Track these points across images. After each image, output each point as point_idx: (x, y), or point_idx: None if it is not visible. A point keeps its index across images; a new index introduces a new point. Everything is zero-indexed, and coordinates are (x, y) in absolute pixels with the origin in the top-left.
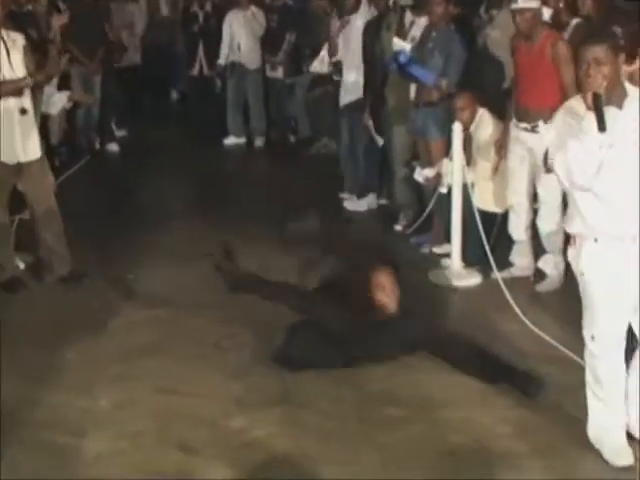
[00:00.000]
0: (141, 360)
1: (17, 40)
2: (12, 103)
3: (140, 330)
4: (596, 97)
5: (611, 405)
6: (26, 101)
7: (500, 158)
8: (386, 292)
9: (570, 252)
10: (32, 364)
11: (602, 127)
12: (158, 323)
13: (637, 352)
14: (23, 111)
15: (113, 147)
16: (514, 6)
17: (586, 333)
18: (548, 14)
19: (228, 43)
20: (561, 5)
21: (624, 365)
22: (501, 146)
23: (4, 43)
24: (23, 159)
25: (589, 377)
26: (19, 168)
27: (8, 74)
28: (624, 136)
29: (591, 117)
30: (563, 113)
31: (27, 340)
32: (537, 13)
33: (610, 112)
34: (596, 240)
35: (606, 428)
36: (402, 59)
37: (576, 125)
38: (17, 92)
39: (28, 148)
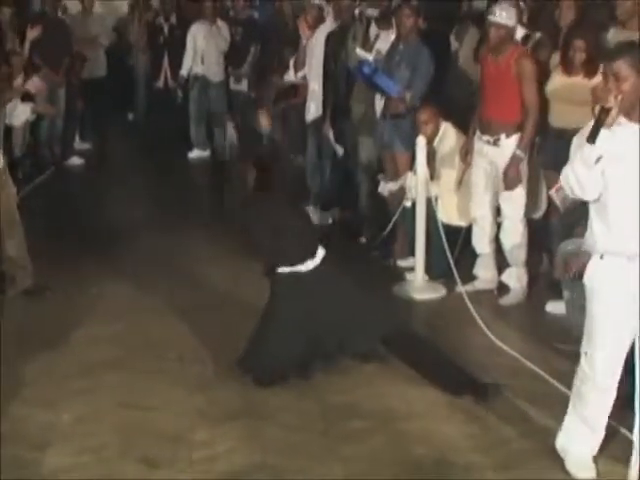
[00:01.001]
0: (104, 374)
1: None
2: None
3: (103, 344)
4: (602, 111)
5: (591, 425)
6: None
7: (466, 166)
8: None
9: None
10: None
11: (591, 140)
12: (120, 337)
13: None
14: None
15: (76, 160)
16: (491, 18)
17: (582, 349)
18: (521, 34)
19: (192, 55)
20: (524, 20)
21: (613, 393)
22: (466, 152)
23: None
24: None
25: (574, 393)
26: None
27: None
28: (634, 153)
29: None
30: (578, 137)
31: None
32: (510, 31)
33: (627, 129)
34: (601, 257)
35: (577, 442)
36: (366, 69)
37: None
38: None
39: None
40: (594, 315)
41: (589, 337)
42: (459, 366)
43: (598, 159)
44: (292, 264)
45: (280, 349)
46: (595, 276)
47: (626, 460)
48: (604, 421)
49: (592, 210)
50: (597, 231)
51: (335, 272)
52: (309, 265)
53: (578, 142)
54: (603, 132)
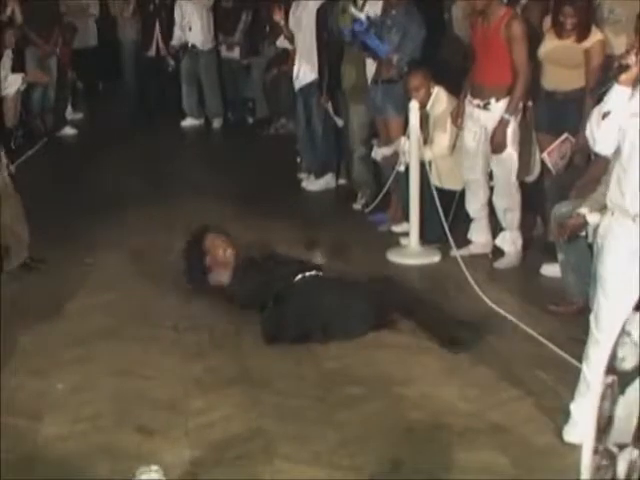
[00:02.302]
0: (98, 343)
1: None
2: None
3: (96, 314)
4: (619, 67)
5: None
6: None
7: (458, 129)
8: None
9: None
10: None
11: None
12: (115, 307)
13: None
14: None
15: (69, 130)
16: None
17: (592, 309)
18: None
19: (180, 23)
20: None
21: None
22: (457, 115)
23: None
24: None
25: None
26: None
27: None
28: None
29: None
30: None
31: None
32: None
33: None
34: (612, 213)
35: (580, 405)
36: (358, 27)
37: None
38: None
39: None
40: (603, 271)
41: (596, 294)
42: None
43: (607, 114)
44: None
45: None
46: (606, 232)
47: None
48: None
49: (611, 167)
50: (614, 188)
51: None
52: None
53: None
54: (618, 88)
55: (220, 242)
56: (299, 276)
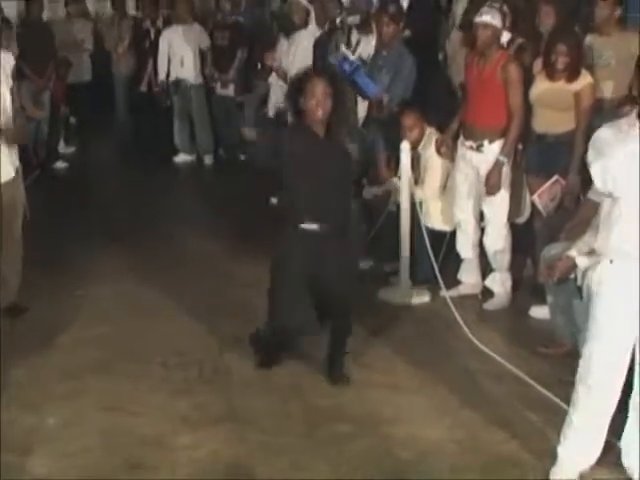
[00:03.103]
0: (88, 378)
1: (5, 60)
2: None
3: (87, 348)
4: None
5: (584, 433)
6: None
7: (446, 155)
8: None
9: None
10: None
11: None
12: (105, 341)
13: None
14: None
15: (60, 164)
16: (478, 19)
17: (582, 351)
18: (506, 38)
19: (166, 59)
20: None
21: (611, 402)
22: (441, 144)
23: None
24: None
25: (572, 398)
26: None
27: None
28: None
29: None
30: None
31: None
32: (497, 32)
33: None
34: (611, 261)
35: (569, 448)
36: (347, 67)
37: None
38: None
39: (4, 168)
40: (597, 318)
41: (589, 339)
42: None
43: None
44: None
45: (291, 301)
46: (603, 279)
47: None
48: (599, 431)
49: (605, 211)
50: (613, 233)
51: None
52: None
53: (605, 135)
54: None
55: None
56: None
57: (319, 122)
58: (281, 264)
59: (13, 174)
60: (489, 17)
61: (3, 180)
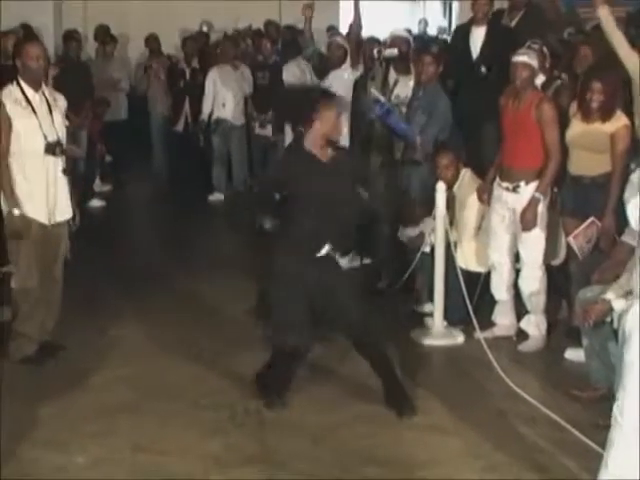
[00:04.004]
0: (119, 417)
1: (59, 100)
2: (50, 162)
3: (118, 387)
4: None
5: (617, 474)
6: (62, 161)
7: (484, 205)
8: None
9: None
10: (8, 418)
11: None
12: (136, 380)
13: None
14: (64, 171)
15: (96, 202)
16: (516, 58)
17: (617, 394)
18: (541, 80)
19: (211, 99)
20: (546, 66)
21: None
22: (483, 191)
23: (47, 103)
24: (54, 219)
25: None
26: (44, 228)
27: (50, 135)
28: None
29: None
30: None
31: (4, 393)
32: (534, 72)
33: None
34: None
35: None
36: (378, 110)
37: None
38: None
39: (60, 208)
40: (628, 361)
41: (622, 384)
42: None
43: None
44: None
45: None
46: (634, 322)
47: None
48: (634, 475)
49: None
50: None
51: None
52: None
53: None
54: None
55: None
56: None
57: (324, 146)
58: (283, 285)
59: (71, 214)
60: (527, 57)
61: (59, 219)
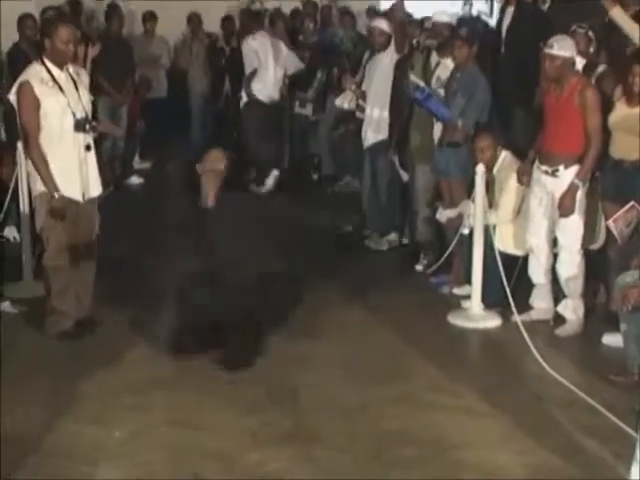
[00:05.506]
0: (155, 393)
1: (82, 75)
2: (80, 139)
3: (155, 362)
4: None
5: None
6: (90, 137)
7: (524, 186)
8: None
9: None
10: (47, 393)
11: None
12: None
13: None
14: (88, 147)
15: (135, 179)
16: (547, 50)
17: None
18: (581, 64)
19: (250, 77)
20: (591, 50)
21: None
22: (523, 173)
23: (73, 80)
24: (87, 196)
25: None
26: (77, 205)
27: (78, 112)
28: None
29: None
30: None
31: (43, 369)
32: (568, 61)
33: None
34: None
35: None
36: (418, 95)
37: None
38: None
39: (91, 185)
40: None
41: None
42: None
43: None
44: None
45: None
46: None
47: None
48: None
49: None
50: None
51: None
52: None
53: None
54: None
55: None
56: None
57: None
58: None
59: (101, 191)
60: (556, 48)
61: (92, 195)
